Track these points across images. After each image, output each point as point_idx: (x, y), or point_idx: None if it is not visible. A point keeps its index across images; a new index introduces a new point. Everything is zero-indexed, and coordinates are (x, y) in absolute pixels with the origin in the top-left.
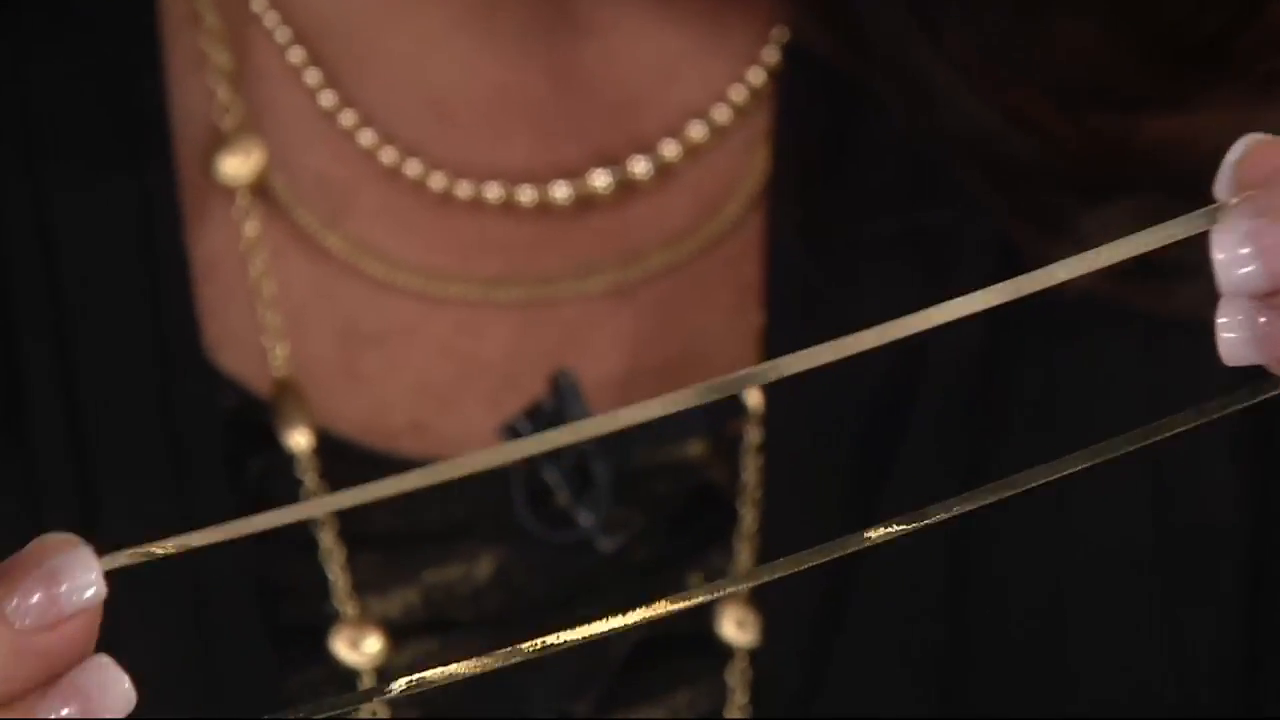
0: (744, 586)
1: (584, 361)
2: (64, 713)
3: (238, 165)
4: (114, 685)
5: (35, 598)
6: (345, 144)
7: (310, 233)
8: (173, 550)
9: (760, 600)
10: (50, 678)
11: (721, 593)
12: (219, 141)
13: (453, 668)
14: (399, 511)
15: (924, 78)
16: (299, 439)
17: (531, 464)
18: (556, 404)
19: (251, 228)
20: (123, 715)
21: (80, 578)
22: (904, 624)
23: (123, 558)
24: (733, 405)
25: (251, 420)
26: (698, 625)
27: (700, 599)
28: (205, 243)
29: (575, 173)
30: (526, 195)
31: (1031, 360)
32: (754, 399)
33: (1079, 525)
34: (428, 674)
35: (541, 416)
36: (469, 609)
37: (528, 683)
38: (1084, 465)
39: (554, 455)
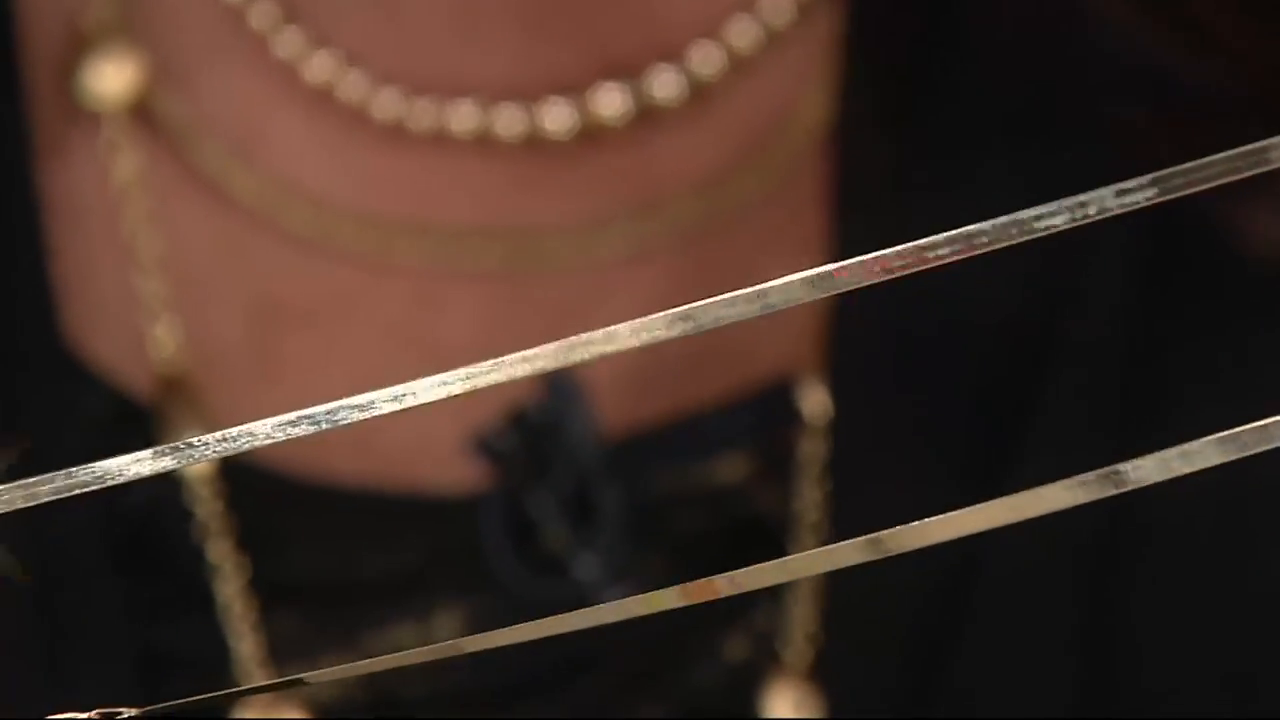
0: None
1: None
2: None
3: (109, 79)
4: None
5: None
6: (258, 51)
7: (210, 172)
8: None
9: (822, 674)
10: None
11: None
12: (83, 46)
13: None
14: (329, 553)
15: None
16: None
17: (512, 489)
18: (550, 407)
19: (127, 164)
20: None
21: None
22: (1012, 709)
23: None
24: (784, 412)
25: (127, 431)
26: (741, 705)
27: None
28: (64, 185)
29: (576, 90)
30: (509, 122)
31: (1194, 354)
32: (814, 403)
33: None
34: None
35: (529, 425)
36: (423, 685)
37: None
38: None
39: (544, 478)
